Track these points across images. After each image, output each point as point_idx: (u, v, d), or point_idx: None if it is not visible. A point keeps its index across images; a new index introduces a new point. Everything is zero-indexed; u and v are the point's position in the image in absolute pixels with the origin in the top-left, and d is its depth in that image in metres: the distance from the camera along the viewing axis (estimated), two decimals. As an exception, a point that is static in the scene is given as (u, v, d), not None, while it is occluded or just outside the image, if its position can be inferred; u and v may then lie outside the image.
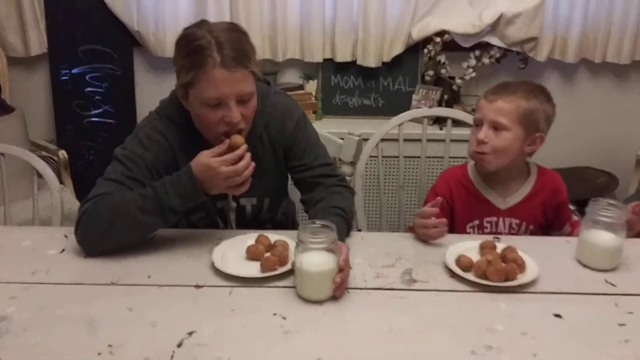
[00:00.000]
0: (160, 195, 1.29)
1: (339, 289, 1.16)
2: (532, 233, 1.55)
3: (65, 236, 1.42)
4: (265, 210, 1.56)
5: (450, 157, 1.90)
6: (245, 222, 1.55)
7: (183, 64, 1.29)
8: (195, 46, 1.26)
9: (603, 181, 2.73)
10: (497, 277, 1.21)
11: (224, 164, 1.26)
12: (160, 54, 2.69)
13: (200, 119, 1.34)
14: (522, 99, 1.45)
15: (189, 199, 1.29)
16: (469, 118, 1.83)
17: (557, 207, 1.56)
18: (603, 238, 1.28)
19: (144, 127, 1.42)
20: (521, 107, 1.45)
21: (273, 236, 1.36)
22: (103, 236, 1.29)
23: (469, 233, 1.55)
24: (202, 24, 1.32)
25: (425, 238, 1.41)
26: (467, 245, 1.36)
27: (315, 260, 1.15)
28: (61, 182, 2.52)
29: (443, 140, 1.92)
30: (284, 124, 1.49)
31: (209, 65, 1.25)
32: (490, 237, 1.42)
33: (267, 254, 1.29)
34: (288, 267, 1.25)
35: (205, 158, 1.28)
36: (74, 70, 2.74)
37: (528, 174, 1.55)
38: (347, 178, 1.79)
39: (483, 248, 1.34)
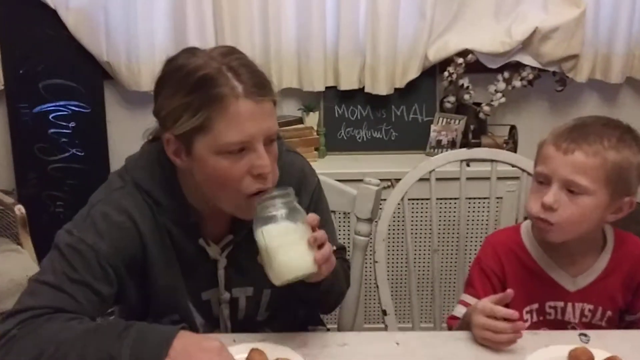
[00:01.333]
0: (116, 333, 0.93)
1: (321, 256, 0.97)
2: (610, 321, 1.20)
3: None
4: (263, 305, 1.19)
5: (497, 198, 1.55)
6: (237, 322, 1.18)
7: (185, 104, 0.97)
8: (203, 77, 0.96)
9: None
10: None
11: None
12: (134, 88, 2.38)
13: (215, 178, 1.00)
14: (611, 149, 1.07)
15: (141, 357, 0.91)
16: (520, 162, 1.45)
17: (638, 286, 1.20)
18: None
19: (101, 203, 1.05)
20: (609, 162, 1.07)
21: (271, 348, 1.00)
22: None
23: (526, 320, 1.20)
24: (193, 51, 1.03)
25: (490, 344, 1.03)
26: (551, 354, 1.00)
27: (278, 228, 0.97)
28: (18, 242, 2.20)
29: (475, 179, 1.60)
30: (299, 196, 1.14)
31: (230, 98, 0.96)
32: (575, 335, 1.06)
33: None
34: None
35: (213, 341, 0.94)
36: (36, 109, 2.44)
37: (604, 243, 1.20)
38: (363, 239, 1.43)
39: (575, 359, 0.97)
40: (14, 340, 0.93)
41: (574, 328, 1.18)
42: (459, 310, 1.19)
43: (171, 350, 0.89)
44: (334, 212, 1.41)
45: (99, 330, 0.94)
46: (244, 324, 1.17)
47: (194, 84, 0.97)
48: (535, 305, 1.20)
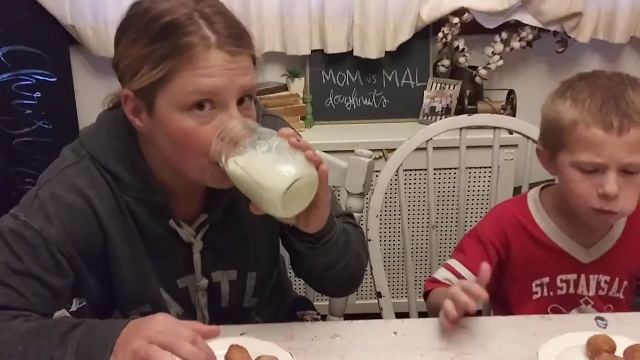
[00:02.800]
0: (61, 332, 0.83)
1: (309, 154, 0.83)
2: (627, 291, 1.13)
3: None
4: (249, 291, 1.07)
5: (499, 168, 1.45)
6: (220, 311, 1.06)
7: (146, 53, 0.85)
8: (168, 23, 0.84)
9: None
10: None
11: (190, 333, 0.79)
12: (102, 53, 2.25)
13: (179, 141, 0.88)
14: None
15: (85, 356, 0.80)
16: (530, 130, 1.33)
17: None
18: None
19: (50, 182, 0.93)
20: None
21: (253, 343, 0.88)
22: None
23: (535, 293, 1.13)
24: None
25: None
26: (567, 341, 0.90)
27: (254, 151, 0.83)
28: None
29: (471, 147, 1.46)
30: None
31: (199, 48, 0.84)
32: (589, 319, 0.97)
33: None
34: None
35: (159, 317, 0.83)
36: (-4, 79, 2.33)
37: None
38: (356, 215, 1.31)
39: (596, 350, 0.86)
40: None
41: (587, 302, 1.11)
42: (442, 274, 1.11)
43: (116, 344, 0.79)
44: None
45: (43, 331, 0.83)
46: (229, 312, 1.05)
47: (158, 30, 0.84)
48: (546, 279, 1.12)
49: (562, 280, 1.11)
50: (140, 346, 0.76)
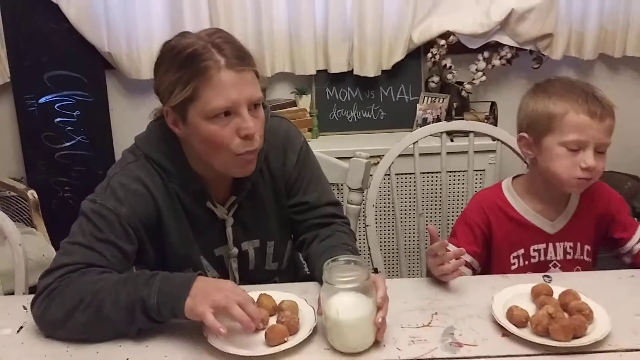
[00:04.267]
0: (143, 280, 1.06)
1: (382, 332, 1.01)
2: (591, 254, 1.35)
3: (25, 308, 1.16)
4: (270, 255, 1.33)
5: (475, 170, 1.67)
6: (248, 274, 1.31)
7: (177, 78, 1.09)
8: (190, 53, 1.08)
9: (630, 186, 2.50)
10: (563, 335, 0.99)
11: (242, 299, 1.01)
12: (135, 76, 2.48)
13: (207, 141, 1.12)
14: (614, 107, 1.24)
15: (167, 299, 1.03)
16: (496, 132, 1.60)
17: (611, 219, 1.36)
18: None
19: (118, 174, 1.18)
20: (614, 120, 1.25)
21: (277, 294, 1.13)
22: (63, 324, 1.05)
23: (513, 264, 1.35)
24: (184, 33, 1.15)
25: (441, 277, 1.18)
26: (516, 291, 1.14)
27: (351, 303, 0.99)
28: (32, 225, 2.32)
29: (459, 153, 1.71)
30: (286, 155, 1.28)
31: (213, 70, 1.08)
32: (537, 276, 1.20)
33: (272, 320, 1.06)
34: (300, 337, 1.02)
35: (227, 281, 1.08)
36: (41, 100, 2.52)
37: None
38: (355, 207, 1.57)
39: (537, 295, 1.11)
40: (55, 292, 1.06)
41: (555, 265, 1.33)
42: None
43: (192, 290, 1.01)
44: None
45: (129, 279, 1.07)
46: (255, 274, 1.30)
47: (183, 60, 1.09)
48: (521, 251, 1.33)
49: (534, 250, 1.33)
50: (219, 298, 0.98)
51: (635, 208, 2.41)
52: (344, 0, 2.42)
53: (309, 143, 1.35)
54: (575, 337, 0.99)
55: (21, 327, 1.11)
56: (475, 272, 1.34)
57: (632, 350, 0.97)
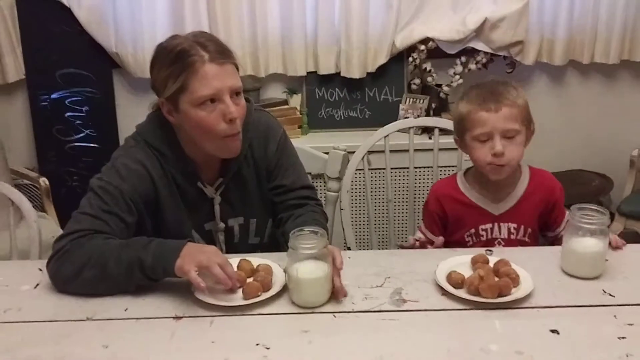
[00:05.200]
0: (142, 245, 1.23)
1: (341, 293, 1.18)
2: (532, 236, 1.53)
3: (40, 270, 1.35)
4: (252, 231, 1.51)
5: (439, 167, 1.85)
6: (234, 246, 1.50)
7: (169, 73, 1.27)
8: (179, 51, 1.26)
9: (598, 183, 2.69)
10: (490, 293, 1.17)
11: (221, 261, 1.18)
12: (140, 75, 2.66)
13: (197, 125, 1.30)
14: (518, 98, 1.42)
15: (160, 260, 1.20)
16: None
17: (552, 207, 1.53)
18: (586, 245, 1.25)
19: (121, 157, 1.37)
20: (521, 107, 1.42)
21: (256, 260, 1.32)
22: (73, 280, 1.24)
23: (467, 242, 1.53)
24: (174, 36, 1.33)
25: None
26: (459, 260, 1.32)
27: (310, 267, 1.16)
28: (43, 210, 2.50)
29: (432, 150, 1.88)
30: (267, 144, 1.47)
31: (198, 63, 1.24)
32: (482, 250, 1.38)
33: (249, 280, 1.24)
34: (271, 293, 1.21)
35: (211, 246, 1.24)
36: (53, 95, 2.70)
37: (520, 175, 1.53)
38: (333, 194, 1.75)
39: (475, 262, 1.30)
40: (67, 253, 1.24)
41: (499, 243, 1.51)
42: (417, 234, 1.54)
43: (181, 252, 1.19)
44: (309, 173, 1.72)
45: (130, 243, 1.25)
46: (239, 247, 1.49)
47: (174, 57, 1.26)
48: (472, 230, 1.51)
49: (482, 229, 1.50)
50: (202, 259, 1.15)
51: (602, 203, 2.60)
52: (332, 8, 2.61)
53: (299, 139, 1.54)
54: (501, 296, 1.16)
55: (37, 284, 1.30)
56: None
57: (548, 307, 1.16)
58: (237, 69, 1.33)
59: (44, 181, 2.46)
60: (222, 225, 1.47)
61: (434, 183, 1.63)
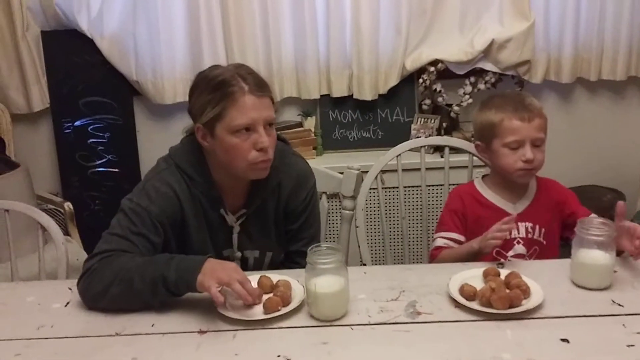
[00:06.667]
0: (164, 261, 1.28)
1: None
2: (547, 237, 1.56)
3: (70, 289, 1.42)
4: (266, 264, 1.56)
5: (450, 184, 1.90)
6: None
7: (208, 100, 1.34)
8: (220, 81, 1.34)
9: (610, 198, 2.71)
10: (501, 304, 1.21)
11: (241, 278, 1.23)
12: (159, 102, 2.74)
13: (229, 150, 1.36)
14: (541, 109, 1.53)
15: (183, 276, 1.25)
16: (465, 145, 1.85)
17: (567, 206, 1.59)
18: (593, 257, 1.29)
19: (152, 179, 1.43)
20: (544, 118, 1.52)
21: (275, 276, 1.37)
22: (101, 297, 1.29)
23: None
24: (215, 66, 1.41)
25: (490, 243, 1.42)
26: (471, 273, 1.37)
27: (327, 281, 1.20)
28: (67, 234, 2.56)
29: (443, 168, 1.93)
30: (298, 190, 1.52)
31: (238, 94, 1.32)
32: (493, 264, 1.42)
33: (269, 295, 1.29)
34: (291, 307, 1.26)
35: (231, 263, 1.29)
36: (77, 123, 2.78)
37: (529, 182, 1.60)
38: (348, 212, 1.80)
39: (486, 275, 1.34)
40: (96, 271, 1.31)
41: (518, 242, 1.56)
42: (439, 242, 1.58)
43: (203, 268, 1.24)
44: (325, 192, 1.78)
45: (153, 259, 1.31)
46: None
47: (214, 85, 1.35)
48: None
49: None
50: (223, 276, 1.20)
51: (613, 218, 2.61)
52: (344, 34, 2.68)
53: (314, 160, 1.58)
54: (513, 307, 1.20)
55: (68, 303, 1.36)
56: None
57: (558, 317, 1.20)
58: (273, 102, 1.40)
59: (68, 205, 2.53)
60: (239, 254, 1.52)
61: (446, 200, 1.67)
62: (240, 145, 1.35)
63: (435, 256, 1.57)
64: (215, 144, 1.39)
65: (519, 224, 1.56)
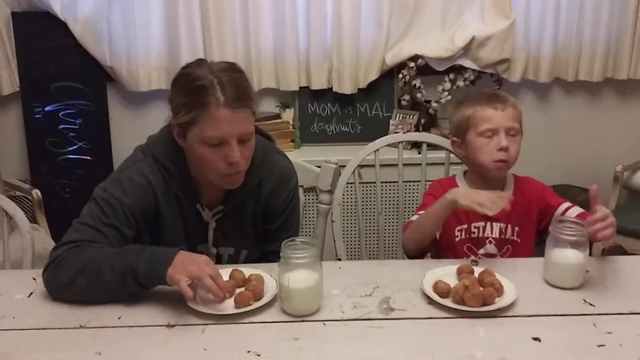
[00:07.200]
0: (134, 253, 1.25)
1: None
2: (522, 235, 1.57)
3: (34, 279, 1.37)
4: (241, 262, 1.52)
5: (427, 181, 1.89)
6: None
7: (184, 102, 1.27)
8: (197, 86, 1.25)
9: (583, 198, 2.72)
10: (474, 302, 1.20)
11: (213, 272, 1.20)
12: (134, 89, 2.69)
13: (200, 159, 1.31)
14: (516, 104, 1.54)
15: (153, 268, 1.22)
16: (443, 142, 1.83)
17: (544, 199, 1.58)
18: (566, 256, 1.29)
19: (127, 169, 1.38)
20: (519, 111, 1.53)
21: (248, 270, 1.34)
22: (67, 288, 1.26)
23: (457, 236, 1.57)
24: (201, 62, 1.32)
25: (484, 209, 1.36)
26: (445, 271, 1.36)
27: (301, 276, 1.18)
28: (35, 222, 2.50)
29: (420, 164, 1.92)
30: (279, 190, 1.48)
31: (212, 105, 1.24)
32: (467, 261, 1.42)
33: (241, 289, 1.26)
34: (263, 301, 1.23)
35: (203, 256, 1.25)
36: (47, 108, 2.72)
37: (506, 180, 1.60)
38: (325, 207, 1.78)
39: (460, 273, 1.34)
40: (63, 261, 1.26)
41: (490, 242, 1.56)
42: (414, 218, 1.55)
43: (174, 261, 1.21)
44: (302, 186, 1.75)
45: (123, 251, 1.27)
46: None
47: (191, 89, 1.26)
48: (465, 226, 1.56)
49: (474, 227, 1.55)
50: (194, 270, 1.17)
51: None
52: (325, 26, 2.66)
53: (291, 153, 1.54)
54: (486, 305, 1.20)
55: (31, 293, 1.32)
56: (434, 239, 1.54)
57: (531, 315, 1.20)
58: (254, 114, 1.32)
59: (36, 193, 2.47)
60: (213, 250, 1.49)
61: (422, 196, 1.65)
62: (211, 157, 1.30)
63: (407, 228, 1.56)
64: (187, 147, 1.34)
65: (493, 224, 1.56)
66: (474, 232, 1.57)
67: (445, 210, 1.44)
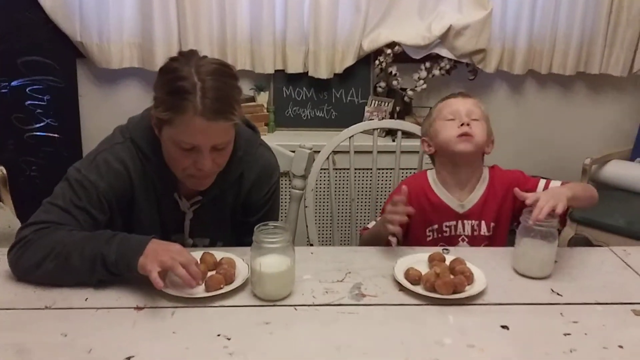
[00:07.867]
0: (105, 239, 1.22)
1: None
2: (496, 229, 1.58)
3: (-3, 258, 1.34)
4: None
5: (401, 169, 1.90)
6: None
7: (163, 99, 1.22)
8: (179, 87, 1.19)
9: (551, 189, 2.78)
10: (445, 289, 1.21)
11: (185, 260, 1.18)
12: (105, 66, 2.62)
13: (169, 157, 1.29)
14: (479, 102, 1.61)
15: (123, 256, 1.19)
16: (418, 130, 1.84)
17: (524, 191, 1.55)
18: (535, 246, 1.31)
19: (105, 151, 1.33)
20: (482, 109, 1.59)
21: (219, 254, 1.33)
22: (33, 271, 1.22)
23: (428, 236, 1.58)
24: (191, 58, 1.24)
25: (387, 225, 1.38)
26: (417, 258, 1.37)
27: (273, 260, 1.18)
28: (0, 200, 2.43)
29: (394, 152, 1.92)
30: (260, 183, 1.45)
31: (189, 113, 1.18)
32: (439, 249, 1.43)
33: (212, 272, 1.25)
34: (234, 285, 1.22)
35: (176, 244, 1.22)
36: (14, 83, 2.64)
37: (481, 176, 1.60)
38: (298, 192, 1.77)
39: (432, 260, 1.35)
40: (30, 243, 1.22)
41: (463, 239, 1.57)
42: (370, 224, 1.57)
43: (145, 250, 1.17)
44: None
45: (94, 236, 1.23)
46: None
47: (172, 88, 1.20)
48: (435, 226, 1.57)
49: (446, 226, 1.56)
50: (166, 259, 1.14)
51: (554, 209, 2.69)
52: (302, 8, 2.63)
53: (265, 136, 1.52)
54: (456, 293, 1.21)
55: (-6, 273, 1.28)
56: (398, 242, 1.52)
57: (499, 304, 1.21)
58: (237, 124, 1.28)
59: (1, 170, 2.40)
60: (190, 241, 1.46)
61: (396, 183, 1.66)
62: (179, 157, 1.27)
63: (361, 235, 1.58)
64: (161, 139, 1.30)
65: (465, 222, 1.57)
66: (445, 232, 1.57)
67: (381, 238, 1.45)
